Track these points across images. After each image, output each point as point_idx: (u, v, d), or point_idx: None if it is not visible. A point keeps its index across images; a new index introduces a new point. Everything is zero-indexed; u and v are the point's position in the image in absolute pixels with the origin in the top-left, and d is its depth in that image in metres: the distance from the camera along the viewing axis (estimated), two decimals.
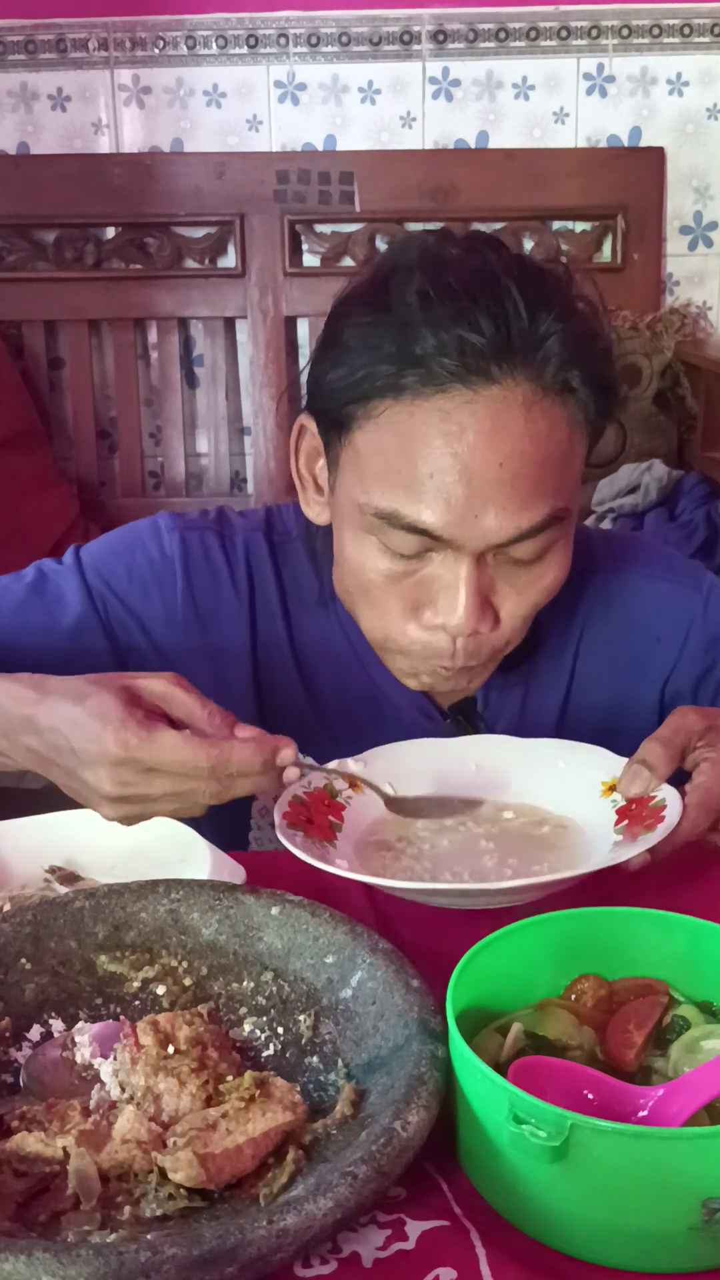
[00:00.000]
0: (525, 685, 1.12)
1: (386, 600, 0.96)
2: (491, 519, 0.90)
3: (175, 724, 0.83)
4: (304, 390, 1.01)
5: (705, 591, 1.13)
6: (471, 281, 0.90)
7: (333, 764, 0.96)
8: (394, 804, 0.94)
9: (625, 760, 0.93)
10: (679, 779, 0.91)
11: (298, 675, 1.11)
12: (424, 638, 0.96)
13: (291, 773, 0.83)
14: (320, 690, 1.11)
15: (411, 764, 0.99)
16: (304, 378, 1.02)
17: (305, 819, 0.91)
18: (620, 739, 0.97)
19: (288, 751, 0.82)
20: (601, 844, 0.90)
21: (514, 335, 0.89)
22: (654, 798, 0.90)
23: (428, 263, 0.92)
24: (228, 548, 1.10)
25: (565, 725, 1.13)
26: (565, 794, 0.96)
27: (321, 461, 1.02)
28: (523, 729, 1.10)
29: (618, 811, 0.92)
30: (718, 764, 0.89)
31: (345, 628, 1.09)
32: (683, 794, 0.88)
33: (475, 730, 1.11)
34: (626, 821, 0.90)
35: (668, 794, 0.89)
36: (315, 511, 1.04)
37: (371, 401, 0.92)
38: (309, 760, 0.87)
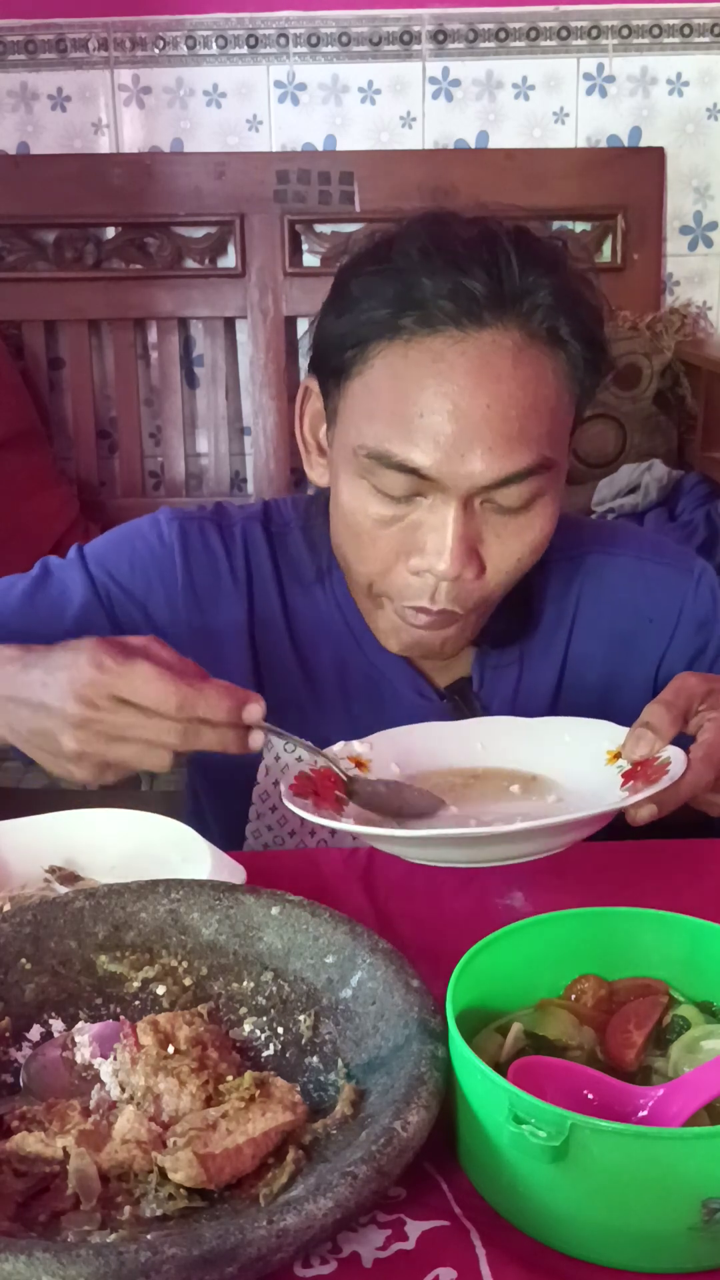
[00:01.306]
0: (520, 665, 1.14)
1: (376, 544, 0.99)
2: (478, 460, 0.93)
3: None
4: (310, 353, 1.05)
5: (696, 574, 1.16)
6: (469, 240, 0.95)
7: (338, 745, 0.97)
8: (354, 793, 0.93)
9: (627, 729, 0.93)
10: (681, 744, 0.91)
11: (295, 656, 1.13)
12: (410, 581, 0.98)
13: (257, 737, 0.85)
14: (317, 671, 1.13)
15: (417, 746, 0.99)
16: (309, 342, 1.05)
17: (312, 791, 0.92)
18: (614, 720, 0.98)
19: (255, 707, 0.83)
20: (608, 802, 0.89)
21: (506, 285, 0.93)
22: (659, 758, 0.89)
23: (430, 224, 0.98)
24: (225, 536, 1.13)
25: (559, 706, 1.15)
26: (571, 765, 0.96)
27: (325, 426, 1.04)
28: (517, 709, 1.12)
29: (623, 775, 0.91)
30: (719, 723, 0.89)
31: (342, 608, 1.11)
32: (688, 753, 0.88)
33: (471, 709, 1.12)
34: (632, 781, 0.90)
35: (672, 753, 0.89)
36: (317, 474, 1.07)
37: (369, 345, 0.96)
38: (275, 728, 0.87)
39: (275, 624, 1.13)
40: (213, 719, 0.82)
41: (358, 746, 0.97)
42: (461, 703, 1.13)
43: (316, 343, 1.02)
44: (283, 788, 0.90)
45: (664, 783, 0.85)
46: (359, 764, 0.97)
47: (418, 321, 0.94)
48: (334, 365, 1.00)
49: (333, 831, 0.93)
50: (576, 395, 1.00)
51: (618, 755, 0.93)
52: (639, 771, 0.90)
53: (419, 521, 0.97)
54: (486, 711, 1.13)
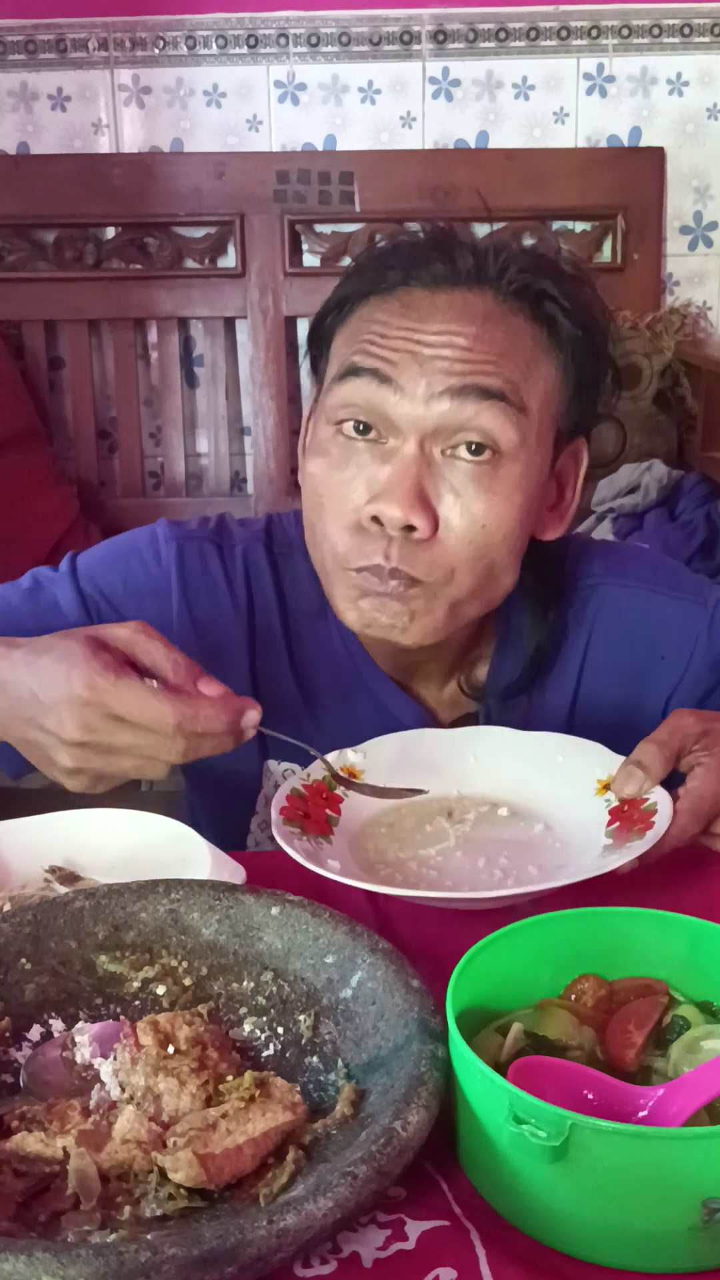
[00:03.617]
0: (529, 702, 1.11)
1: (335, 504, 0.97)
2: (439, 371, 0.94)
3: (142, 672, 0.83)
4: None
5: (711, 609, 1.12)
6: (461, 234, 1.01)
7: (332, 755, 0.97)
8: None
9: (622, 759, 0.93)
10: (674, 780, 0.91)
11: (296, 686, 1.11)
12: (362, 536, 0.96)
13: (250, 731, 0.84)
14: (319, 701, 1.11)
15: (411, 757, 0.99)
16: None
17: (303, 814, 0.92)
18: (624, 754, 0.97)
19: (253, 714, 0.83)
20: (592, 847, 0.90)
21: (490, 264, 0.98)
22: (646, 800, 0.90)
23: (434, 228, 1.03)
24: (226, 559, 1.10)
25: None
26: (561, 790, 0.96)
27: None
28: None
29: (610, 812, 0.92)
30: (711, 769, 0.89)
31: (345, 640, 1.09)
32: (675, 797, 0.88)
33: None
34: (618, 824, 0.90)
35: (659, 797, 0.89)
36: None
37: (348, 306, 1.00)
38: (273, 733, 0.87)
39: (277, 651, 1.10)
40: (214, 730, 0.81)
41: (351, 756, 0.98)
42: None
43: (311, 329, 1.05)
44: (274, 813, 0.90)
45: (648, 839, 0.85)
46: (351, 774, 0.97)
47: (399, 278, 0.98)
48: (319, 336, 1.03)
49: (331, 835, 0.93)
50: (562, 375, 0.99)
51: (607, 786, 0.93)
52: (625, 812, 0.91)
53: (376, 472, 0.96)
54: None
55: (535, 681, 1.11)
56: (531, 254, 1.00)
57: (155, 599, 1.08)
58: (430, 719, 1.11)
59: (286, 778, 1.10)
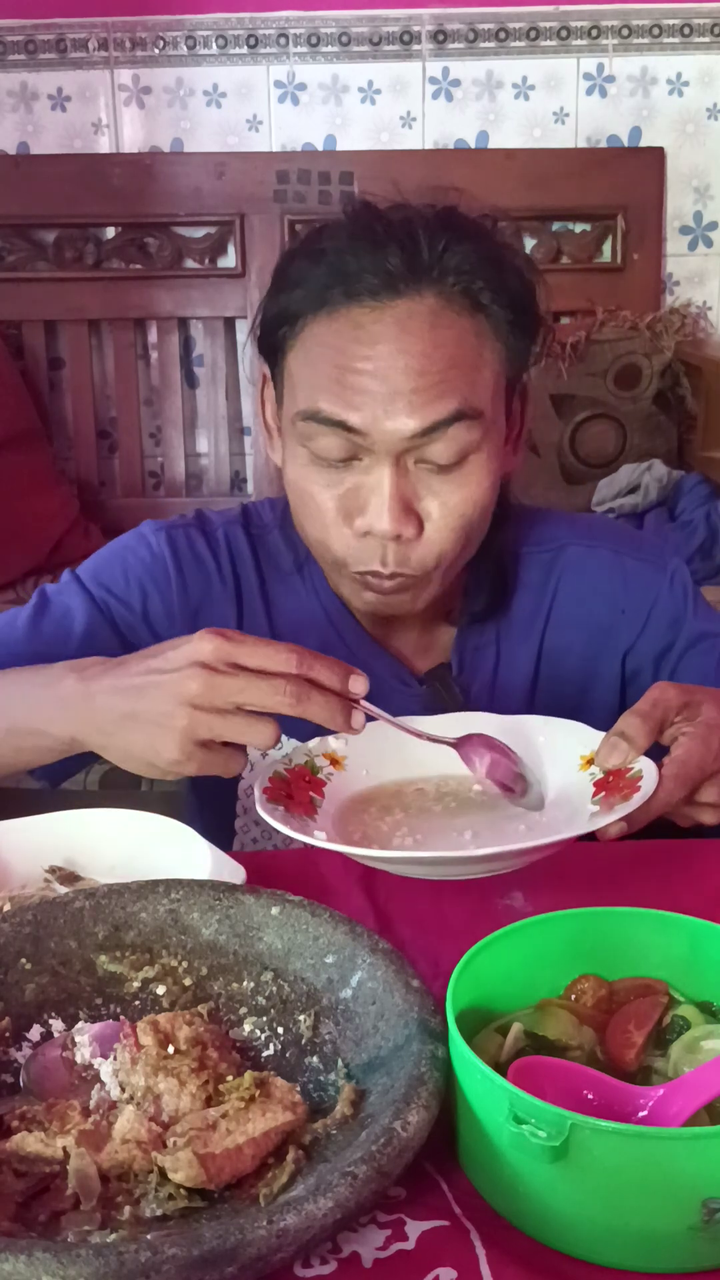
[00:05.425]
0: (497, 654, 1.17)
1: (322, 510, 1.03)
2: (402, 412, 0.98)
3: None
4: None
5: (670, 571, 1.19)
6: (391, 222, 1.02)
7: (314, 742, 0.98)
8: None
9: (603, 734, 0.93)
10: (656, 754, 0.91)
11: None
12: (357, 545, 1.03)
13: (358, 718, 0.88)
14: None
15: (393, 742, 0.99)
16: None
17: (285, 794, 0.93)
18: (588, 709, 1.01)
19: (360, 680, 0.87)
20: (579, 815, 0.90)
21: (421, 258, 1.00)
22: (631, 769, 0.90)
23: (357, 212, 1.05)
24: (210, 541, 1.17)
25: (537, 696, 1.17)
26: (544, 769, 0.97)
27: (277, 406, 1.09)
28: (495, 694, 1.15)
29: (595, 784, 0.92)
30: (695, 738, 0.90)
31: (322, 600, 1.15)
32: (660, 766, 0.89)
33: (450, 694, 1.14)
34: (604, 793, 0.91)
35: (644, 766, 0.89)
36: (279, 456, 1.11)
37: (299, 321, 1.03)
38: (374, 708, 0.90)
39: (260, 622, 1.16)
40: (324, 681, 0.85)
41: (333, 743, 0.98)
42: (441, 688, 1.15)
43: (259, 326, 1.08)
44: (257, 791, 0.91)
45: (635, 801, 0.85)
46: (334, 761, 0.98)
47: (341, 295, 1.00)
48: (271, 344, 1.05)
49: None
50: (504, 354, 1.04)
51: (591, 761, 0.94)
52: (611, 782, 0.91)
53: (357, 484, 1.01)
54: (466, 696, 1.15)
55: (500, 614, 1.16)
56: (457, 233, 1.02)
57: (155, 585, 1.14)
58: (405, 669, 1.16)
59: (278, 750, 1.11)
